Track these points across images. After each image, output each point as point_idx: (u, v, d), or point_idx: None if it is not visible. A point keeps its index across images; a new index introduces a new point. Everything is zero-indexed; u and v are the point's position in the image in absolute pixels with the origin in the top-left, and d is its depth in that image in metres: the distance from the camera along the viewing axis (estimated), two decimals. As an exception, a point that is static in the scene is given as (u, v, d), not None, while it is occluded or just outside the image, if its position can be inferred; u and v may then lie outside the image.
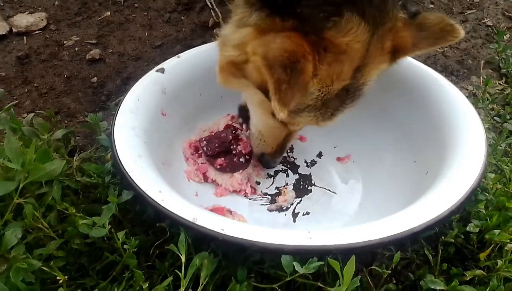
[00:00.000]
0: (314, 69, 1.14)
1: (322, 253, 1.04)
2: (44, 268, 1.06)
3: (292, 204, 1.60)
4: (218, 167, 1.64)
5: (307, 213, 1.56)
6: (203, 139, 1.69)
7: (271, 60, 1.06)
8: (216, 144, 1.65)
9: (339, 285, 0.97)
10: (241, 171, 1.63)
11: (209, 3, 2.21)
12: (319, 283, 1.12)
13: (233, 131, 1.68)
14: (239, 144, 1.65)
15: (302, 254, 1.05)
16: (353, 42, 1.15)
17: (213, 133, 1.71)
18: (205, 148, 1.67)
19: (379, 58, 1.25)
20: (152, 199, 1.12)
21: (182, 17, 2.46)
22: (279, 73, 1.05)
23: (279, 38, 1.10)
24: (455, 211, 1.13)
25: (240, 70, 1.28)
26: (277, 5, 1.17)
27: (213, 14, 2.18)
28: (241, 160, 1.63)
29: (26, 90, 2.02)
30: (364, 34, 1.15)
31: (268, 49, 1.08)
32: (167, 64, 1.66)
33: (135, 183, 1.16)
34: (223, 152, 1.65)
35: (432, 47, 1.30)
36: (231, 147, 1.65)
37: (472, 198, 1.24)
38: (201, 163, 1.67)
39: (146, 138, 1.40)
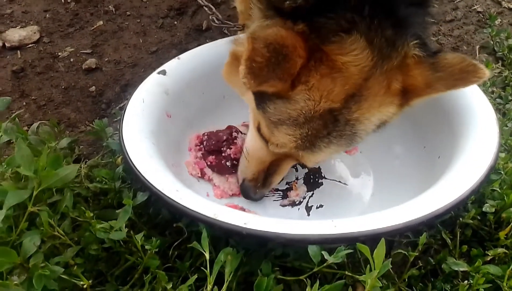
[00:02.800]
0: (306, 73, 1.10)
1: (348, 240, 1.03)
2: (62, 275, 1.03)
3: (304, 197, 1.58)
4: (208, 163, 1.62)
5: (321, 206, 1.55)
6: (205, 134, 1.68)
7: (256, 35, 1.03)
8: (213, 142, 1.63)
9: (370, 270, 0.95)
10: (227, 175, 1.60)
11: (200, 1, 2.15)
12: (346, 272, 1.10)
13: (231, 133, 1.65)
14: (231, 148, 1.61)
15: (329, 243, 1.04)
16: (350, 63, 1.09)
17: (215, 131, 1.70)
18: (205, 143, 1.66)
19: (382, 98, 1.16)
20: (169, 198, 1.10)
21: (176, 22, 2.45)
22: (260, 46, 1.00)
23: (276, 27, 1.06)
24: (475, 190, 1.12)
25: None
26: (292, 14, 1.12)
27: (207, 11, 2.11)
28: (228, 163, 1.59)
29: (24, 103, 1.99)
30: (365, 61, 1.09)
31: (260, 31, 1.06)
32: (167, 66, 1.65)
33: (150, 183, 1.14)
34: (217, 151, 1.63)
35: (451, 89, 1.18)
36: (222, 148, 1.62)
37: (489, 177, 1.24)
38: (200, 158, 1.65)
39: (154, 140, 1.38)
